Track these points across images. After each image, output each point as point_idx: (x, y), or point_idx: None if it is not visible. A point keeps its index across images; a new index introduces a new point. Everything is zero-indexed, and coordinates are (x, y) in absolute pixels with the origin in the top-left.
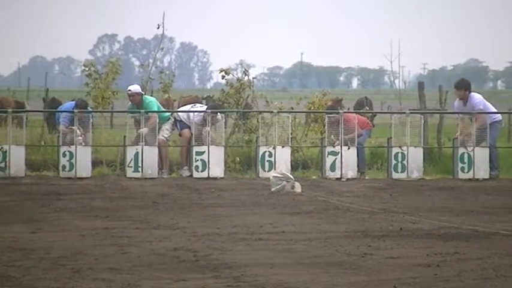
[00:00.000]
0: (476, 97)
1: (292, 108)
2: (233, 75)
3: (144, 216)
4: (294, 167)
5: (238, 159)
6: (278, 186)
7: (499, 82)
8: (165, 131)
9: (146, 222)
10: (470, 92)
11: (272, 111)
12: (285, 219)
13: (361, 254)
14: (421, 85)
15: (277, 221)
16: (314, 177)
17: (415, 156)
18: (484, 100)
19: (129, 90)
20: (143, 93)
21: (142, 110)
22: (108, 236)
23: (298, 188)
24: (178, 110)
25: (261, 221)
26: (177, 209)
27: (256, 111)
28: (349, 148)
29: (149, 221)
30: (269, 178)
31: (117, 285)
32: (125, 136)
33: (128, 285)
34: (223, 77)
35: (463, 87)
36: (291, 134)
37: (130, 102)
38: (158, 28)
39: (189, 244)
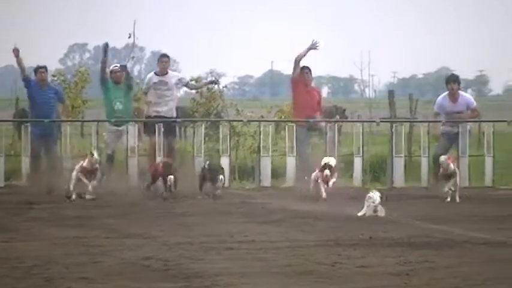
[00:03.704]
0: (468, 94)
1: (262, 117)
2: None
3: (116, 225)
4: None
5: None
6: (363, 210)
7: (469, 90)
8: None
9: (118, 231)
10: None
11: (242, 120)
12: (256, 228)
13: (332, 262)
14: (391, 93)
15: (248, 230)
16: (284, 185)
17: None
18: None
19: (116, 66)
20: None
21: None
22: (80, 245)
23: (381, 212)
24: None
25: (232, 230)
26: (148, 218)
27: (226, 120)
28: None
29: (121, 230)
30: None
31: None
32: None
33: None
34: None
35: (458, 80)
36: (261, 142)
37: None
38: (129, 37)
39: (160, 253)
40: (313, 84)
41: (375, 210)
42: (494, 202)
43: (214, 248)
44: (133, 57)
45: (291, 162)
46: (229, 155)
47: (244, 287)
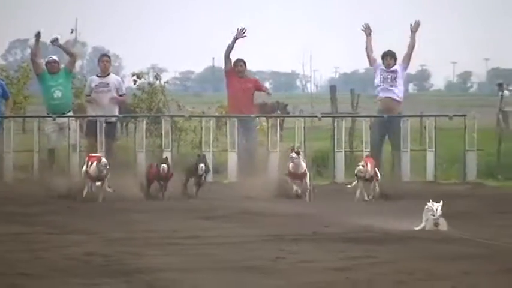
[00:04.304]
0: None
1: (204, 112)
2: (145, 80)
3: (58, 221)
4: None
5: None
6: (422, 224)
7: (411, 85)
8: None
9: (59, 227)
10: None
11: (184, 116)
12: (199, 224)
13: (274, 257)
14: (332, 88)
15: (191, 225)
16: (225, 181)
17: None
18: None
19: (51, 57)
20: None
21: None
22: (21, 241)
23: (444, 226)
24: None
25: (175, 226)
26: (90, 215)
27: (168, 115)
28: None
29: (62, 226)
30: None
31: None
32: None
33: None
34: (135, 81)
35: (395, 56)
36: (203, 138)
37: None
38: (72, 33)
39: (102, 249)
40: (248, 76)
41: (436, 224)
42: (436, 197)
43: (156, 243)
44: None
45: (232, 157)
46: (171, 150)
47: (186, 283)
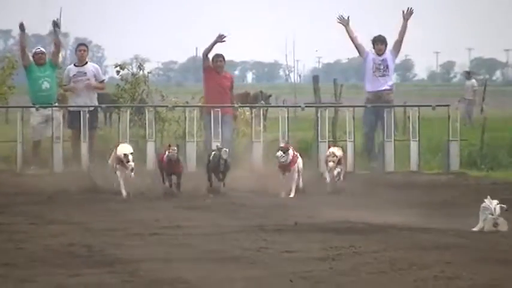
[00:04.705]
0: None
1: (187, 103)
2: (128, 70)
3: (39, 211)
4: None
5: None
6: (480, 224)
7: (394, 75)
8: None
9: (41, 217)
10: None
11: (167, 106)
12: (182, 214)
13: (257, 248)
14: (315, 79)
15: (173, 215)
16: None
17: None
18: None
19: (38, 48)
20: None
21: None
22: (3, 231)
23: (504, 226)
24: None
25: (157, 216)
26: (72, 204)
27: (151, 106)
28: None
29: (44, 217)
30: None
31: (12, 280)
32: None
33: (23, 280)
34: (118, 72)
35: (385, 42)
36: (187, 128)
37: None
38: (54, 22)
39: (84, 239)
40: (225, 71)
41: (495, 224)
42: (419, 187)
43: (138, 233)
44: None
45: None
46: (155, 141)
47: (169, 273)
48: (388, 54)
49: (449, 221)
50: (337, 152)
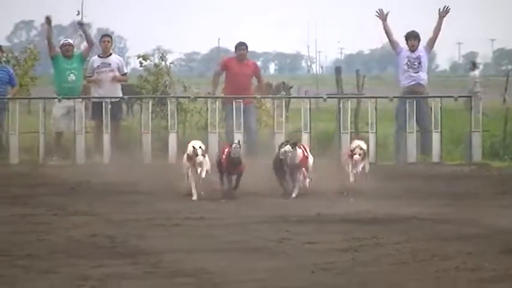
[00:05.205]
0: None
1: (209, 93)
2: (151, 61)
3: (62, 202)
4: None
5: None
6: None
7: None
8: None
9: (64, 208)
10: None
11: (189, 97)
12: (204, 205)
13: (279, 239)
14: (338, 70)
15: (196, 206)
16: None
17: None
18: None
19: (66, 40)
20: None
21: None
22: (26, 222)
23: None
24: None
25: (179, 207)
26: (94, 195)
27: (173, 97)
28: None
29: (66, 208)
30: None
31: (34, 271)
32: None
33: (46, 271)
34: (141, 63)
35: (419, 37)
36: (209, 119)
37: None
38: (78, 14)
39: (107, 230)
40: (248, 59)
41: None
42: (441, 178)
43: (161, 224)
44: (80, 35)
45: (238, 138)
46: (177, 132)
47: (192, 264)
48: (421, 50)
49: (471, 211)
50: (363, 145)
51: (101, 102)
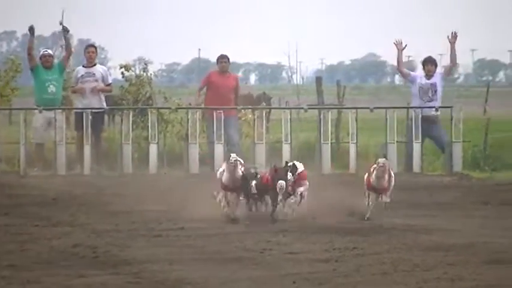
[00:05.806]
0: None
1: (190, 104)
2: (132, 71)
3: (44, 213)
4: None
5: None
6: None
7: (397, 76)
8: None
9: (46, 219)
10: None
11: (170, 108)
12: (185, 216)
13: (261, 249)
14: (318, 80)
15: (177, 217)
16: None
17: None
18: None
19: (46, 50)
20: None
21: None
22: (8, 233)
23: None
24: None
25: (160, 217)
26: (76, 206)
27: (154, 107)
28: None
29: (48, 218)
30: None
31: (17, 282)
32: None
33: (28, 282)
34: (123, 73)
35: (435, 63)
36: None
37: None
38: (61, 25)
39: (89, 241)
40: (230, 72)
41: None
42: (421, 189)
43: (142, 235)
44: (62, 46)
45: (219, 149)
46: (157, 142)
47: (173, 274)
48: (438, 77)
49: (452, 222)
50: (387, 164)
51: (82, 113)
